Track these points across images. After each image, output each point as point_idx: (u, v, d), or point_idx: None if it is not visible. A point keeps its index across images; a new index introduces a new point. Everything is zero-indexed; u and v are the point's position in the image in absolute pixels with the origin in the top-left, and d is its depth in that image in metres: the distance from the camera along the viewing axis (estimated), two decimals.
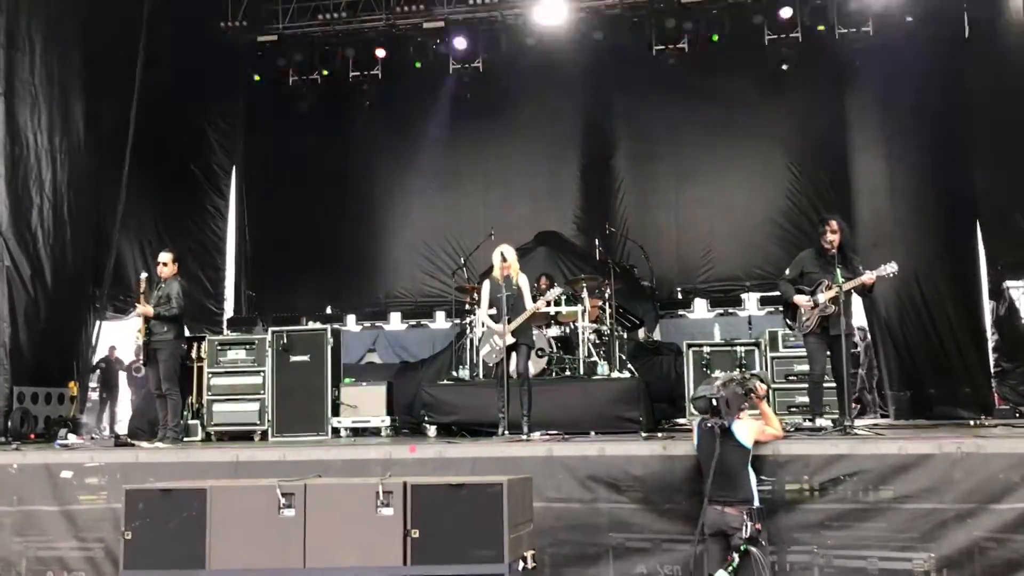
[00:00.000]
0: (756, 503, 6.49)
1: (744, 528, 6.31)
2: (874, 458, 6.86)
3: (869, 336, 13.52)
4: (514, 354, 9.00)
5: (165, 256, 9.61)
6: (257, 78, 15.72)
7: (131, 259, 13.36)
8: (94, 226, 12.27)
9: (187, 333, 10.61)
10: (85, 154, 12.02)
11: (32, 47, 11.30)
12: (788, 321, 8.64)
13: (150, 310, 9.28)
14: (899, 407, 12.63)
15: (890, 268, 8.06)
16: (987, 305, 11.93)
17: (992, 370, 11.72)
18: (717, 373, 6.89)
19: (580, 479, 7.22)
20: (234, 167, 16.00)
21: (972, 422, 9.85)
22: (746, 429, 6.64)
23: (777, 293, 9.96)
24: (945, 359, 12.22)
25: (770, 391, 10.23)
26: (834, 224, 8.27)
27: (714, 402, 6.49)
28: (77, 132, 11.91)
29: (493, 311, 9.21)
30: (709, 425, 6.52)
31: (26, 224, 11.18)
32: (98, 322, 12.41)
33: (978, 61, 12.19)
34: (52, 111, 11.53)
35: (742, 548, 6.28)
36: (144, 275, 9.70)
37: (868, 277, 8.07)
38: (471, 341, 11.38)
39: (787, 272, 8.60)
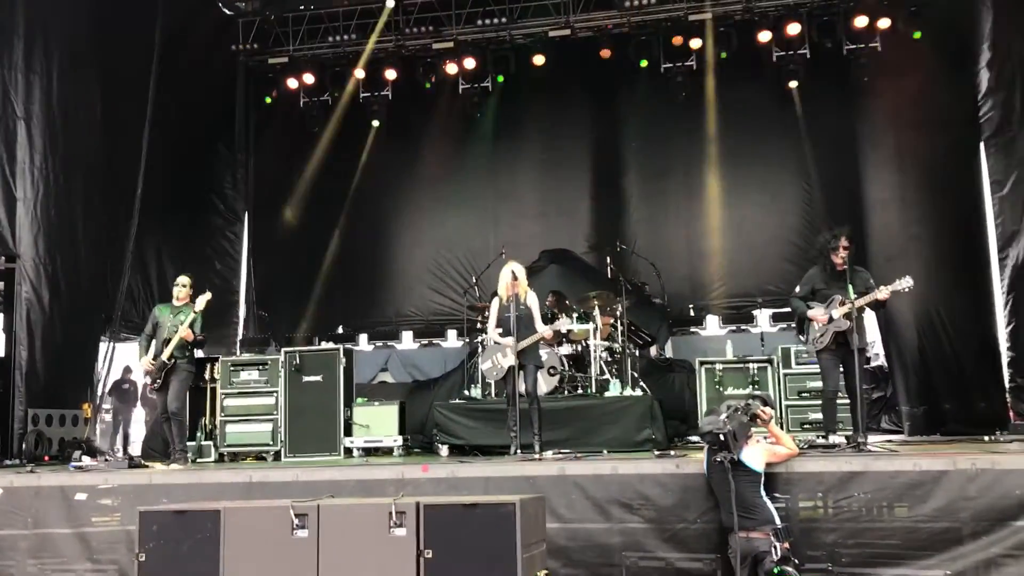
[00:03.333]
0: (778, 522, 6.49)
1: (774, 550, 6.31)
2: (888, 475, 6.85)
3: (883, 351, 13.47)
4: (522, 373, 9.01)
5: (184, 279, 9.63)
6: (268, 100, 15.82)
7: (146, 281, 13.43)
8: (108, 248, 12.35)
9: (201, 354, 10.64)
10: (100, 176, 12.14)
11: (50, 72, 11.44)
12: (801, 338, 8.65)
13: (190, 333, 9.31)
14: (913, 423, 12.56)
15: (905, 283, 8.05)
16: (1001, 320, 11.86)
17: (1007, 385, 11.65)
18: (722, 406, 6.85)
19: (593, 498, 7.22)
20: (246, 188, 16.09)
21: (987, 438, 9.78)
22: (755, 454, 6.66)
23: (789, 309, 9.92)
24: (959, 375, 12.14)
25: (782, 408, 10.27)
26: (845, 240, 8.29)
27: (722, 437, 6.49)
28: (93, 154, 12.03)
29: (501, 330, 9.22)
30: (719, 460, 6.52)
31: (45, 246, 11.28)
32: (112, 344, 12.47)
33: (987, 74, 12.16)
34: (69, 134, 11.65)
35: (776, 571, 6.26)
36: (184, 280, 9.68)
37: (883, 293, 8.08)
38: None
39: (797, 289, 8.66)
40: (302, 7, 14.91)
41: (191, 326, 9.29)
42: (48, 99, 11.44)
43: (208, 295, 9.54)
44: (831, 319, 8.22)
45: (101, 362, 12.39)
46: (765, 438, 7.32)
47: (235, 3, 14.97)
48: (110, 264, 12.42)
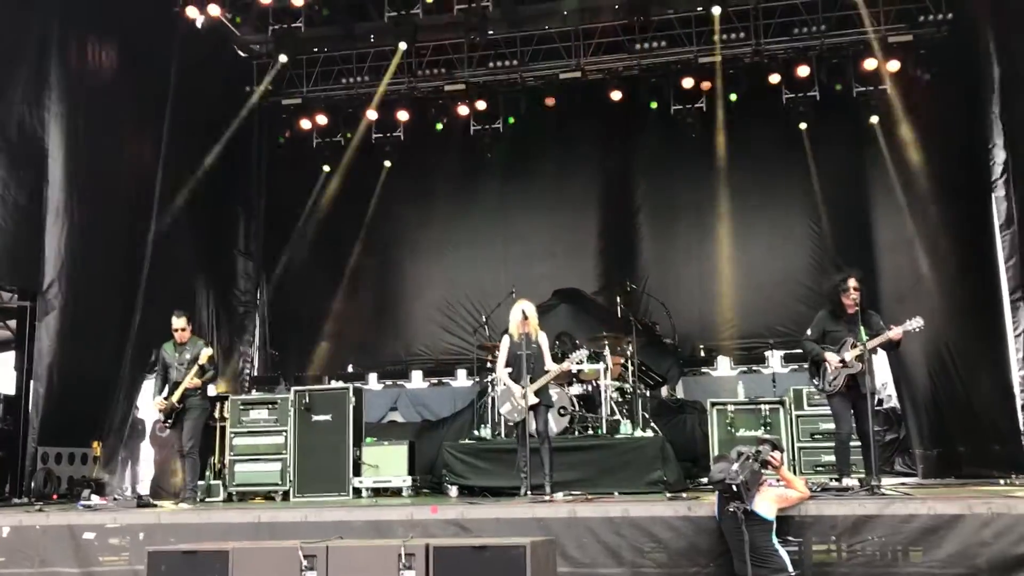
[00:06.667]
0: (791, 569, 6.42)
1: None
2: (902, 519, 6.77)
3: (895, 393, 13.38)
4: (532, 413, 8.97)
5: (179, 322, 9.66)
6: (281, 140, 15.98)
7: (160, 318, 13.41)
8: (123, 286, 12.40)
9: (213, 392, 10.66)
10: (118, 214, 12.26)
11: (75, 111, 11.60)
12: (815, 381, 8.61)
13: (198, 382, 9.36)
14: (927, 465, 12.44)
15: (915, 323, 8.04)
16: (1015, 362, 11.77)
17: (1022, 428, 11.52)
18: (732, 453, 6.79)
19: (604, 541, 7.14)
20: (258, 226, 16.20)
21: (1002, 481, 9.68)
22: (767, 503, 6.60)
23: (801, 351, 9.88)
24: (973, 417, 12.03)
25: (795, 450, 10.20)
26: (855, 281, 8.30)
27: (734, 487, 6.44)
28: (112, 192, 12.16)
29: (511, 369, 9.20)
30: (731, 510, 6.45)
31: (67, 282, 11.33)
32: (135, 382, 12.50)
33: (996, 117, 12.19)
34: (91, 172, 11.78)
35: None
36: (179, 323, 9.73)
37: (895, 333, 8.07)
38: (492, 400, 11.36)
39: (809, 332, 8.65)
40: (316, 49, 15.10)
41: (197, 376, 9.36)
42: (74, 137, 11.57)
43: (210, 351, 9.63)
44: (844, 363, 8.18)
45: (117, 400, 12.36)
46: (777, 481, 7.25)
47: (250, 45, 15.22)
48: (124, 303, 12.45)
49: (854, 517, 6.84)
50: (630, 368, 11.48)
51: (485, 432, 11.31)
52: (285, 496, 10.37)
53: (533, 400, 8.92)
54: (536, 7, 14.29)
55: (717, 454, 9.85)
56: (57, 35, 11.46)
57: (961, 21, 12.91)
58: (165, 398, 9.43)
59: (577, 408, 10.95)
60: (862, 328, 8.14)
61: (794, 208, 14.92)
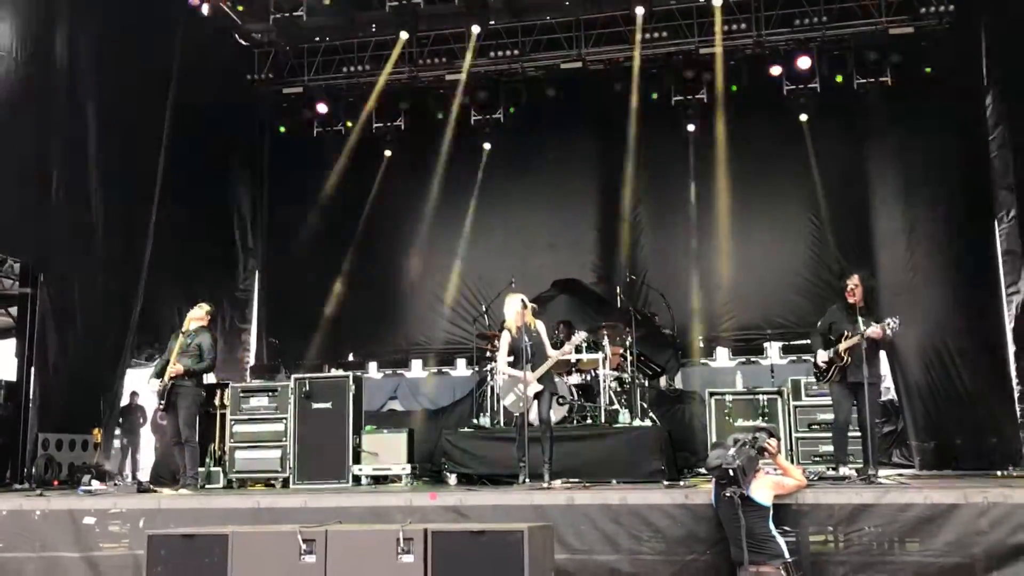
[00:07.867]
0: (788, 556, 6.46)
1: None
2: (899, 508, 6.80)
3: (892, 385, 13.43)
4: (536, 401, 9.00)
5: (200, 310, 9.72)
6: (282, 129, 15.99)
7: (161, 306, 13.46)
8: (124, 275, 12.42)
9: (213, 380, 10.67)
10: (119, 204, 12.26)
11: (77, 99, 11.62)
12: (815, 371, 8.80)
13: (181, 368, 9.36)
14: (924, 457, 12.48)
15: (892, 323, 8.30)
16: (1012, 355, 11.81)
17: (1019, 420, 11.57)
18: (728, 440, 6.83)
19: (602, 529, 7.18)
20: (259, 215, 16.22)
21: (999, 472, 9.71)
22: (763, 489, 6.63)
23: (800, 342, 9.96)
24: (970, 410, 12.08)
25: (792, 441, 10.25)
26: (855, 279, 8.58)
27: (731, 472, 6.48)
28: (113, 181, 12.15)
29: (511, 359, 9.21)
30: (728, 495, 6.49)
31: (67, 272, 11.35)
32: (125, 369, 12.51)
33: (996, 110, 12.21)
34: (97, 157, 11.81)
35: None
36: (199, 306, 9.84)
37: (873, 331, 8.31)
38: (491, 388, 11.40)
39: (819, 324, 8.89)
40: (317, 38, 15.10)
41: (192, 357, 9.38)
42: (76, 127, 11.56)
43: (203, 338, 9.57)
44: (832, 356, 8.49)
45: (116, 387, 12.38)
46: (775, 470, 7.29)
47: (251, 34, 15.22)
48: (125, 291, 12.47)
49: (851, 506, 6.86)
50: (629, 358, 11.51)
51: (484, 420, 11.35)
52: (285, 483, 10.40)
53: (538, 388, 8.95)
54: None
55: (713, 442, 9.89)
56: (59, 24, 11.45)
57: (962, 13, 12.91)
58: (160, 380, 9.49)
59: (576, 397, 10.99)
60: (860, 322, 8.27)
61: (794, 200, 14.90)
